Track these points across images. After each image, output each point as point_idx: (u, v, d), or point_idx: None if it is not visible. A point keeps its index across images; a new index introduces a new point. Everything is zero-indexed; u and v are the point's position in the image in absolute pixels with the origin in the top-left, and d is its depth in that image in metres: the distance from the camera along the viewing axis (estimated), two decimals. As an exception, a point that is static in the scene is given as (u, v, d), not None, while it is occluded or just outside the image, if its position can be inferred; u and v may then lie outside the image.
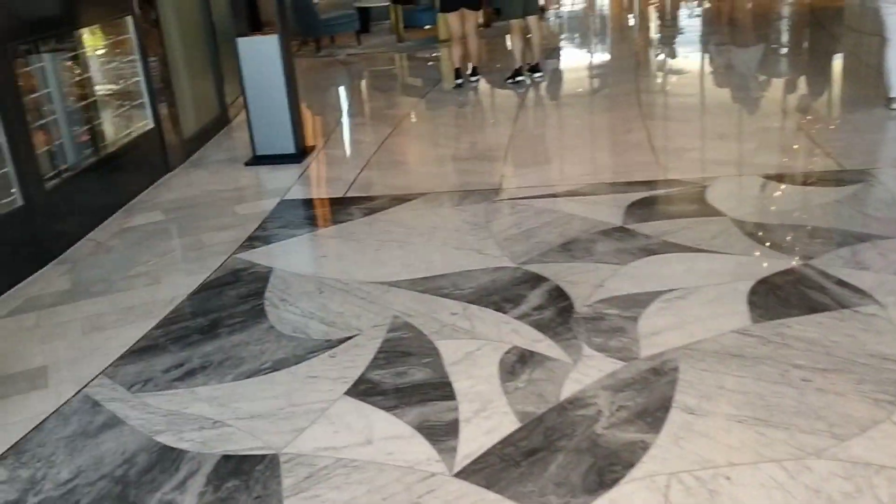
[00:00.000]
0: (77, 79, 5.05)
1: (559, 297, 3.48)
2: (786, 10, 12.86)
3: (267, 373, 3.08)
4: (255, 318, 3.54)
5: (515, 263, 3.85)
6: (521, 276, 3.71)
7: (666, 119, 6.51)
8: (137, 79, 5.63)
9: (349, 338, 3.28)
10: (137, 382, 3.09)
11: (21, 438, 2.81)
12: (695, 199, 4.53)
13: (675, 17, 13.49)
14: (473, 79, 8.43)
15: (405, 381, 2.94)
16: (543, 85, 8.29)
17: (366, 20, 12.75)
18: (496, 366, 2.99)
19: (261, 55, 5.75)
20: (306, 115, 7.68)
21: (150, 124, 5.72)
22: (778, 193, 4.64)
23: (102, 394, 3.04)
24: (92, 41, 5.21)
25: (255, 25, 6.35)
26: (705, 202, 4.47)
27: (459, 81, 8.59)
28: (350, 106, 8.33)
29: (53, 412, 2.94)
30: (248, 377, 3.06)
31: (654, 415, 2.62)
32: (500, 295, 3.54)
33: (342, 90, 9.36)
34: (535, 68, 8.32)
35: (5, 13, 4.18)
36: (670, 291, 3.45)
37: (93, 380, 3.14)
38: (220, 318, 3.57)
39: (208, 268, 4.13)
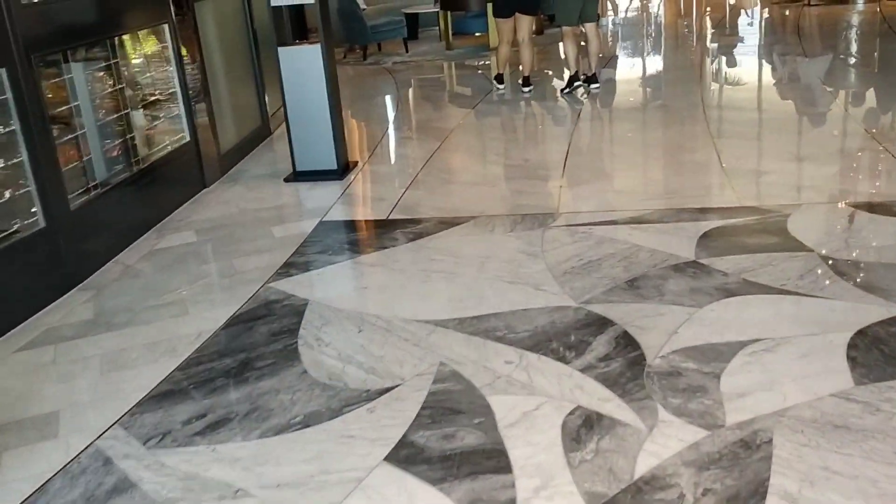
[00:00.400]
0: (109, 90, 4.78)
1: (628, 346, 3.08)
2: (855, 19, 12.23)
3: (298, 429, 2.73)
4: (288, 360, 3.19)
5: (577, 302, 3.46)
6: (584, 319, 3.32)
7: (735, 137, 6.03)
8: (173, 90, 5.35)
9: (390, 388, 2.92)
10: (154, 436, 2.76)
11: (23, 502, 2.50)
12: (775, 230, 4.08)
13: (734, 25, 12.94)
14: (526, 89, 8.06)
15: (453, 446, 2.56)
16: (600, 97, 7.86)
17: (414, 27, 12.44)
18: (558, 430, 2.60)
19: (303, 66, 5.43)
20: (350, 127, 7.37)
21: (186, 137, 5.45)
22: (871, 225, 4.17)
23: (115, 448, 2.71)
24: (125, 50, 4.93)
25: (301, 32, 6.05)
26: (787, 234, 4.03)
27: (502, 87, 8.25)
28: (396, 117, 7.99)
29: (61, 470, 2.63)
30: (277, 434, 2.72)
31: (747, 502, 2.21)
32: (561, 341, 3.15)
33: (388, 100, 9.03)
34: (591, 79, 7.90)
35: (31, 23, 3.91)
36: (755, 342, 3.03)
37: (106, 430, 2.82)
38: (249, 359, 3.23)
39: (240, 298, 3.81)
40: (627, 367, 2.93)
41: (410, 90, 9.40)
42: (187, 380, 3.11)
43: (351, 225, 4.85)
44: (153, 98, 5.30)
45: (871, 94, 7.42)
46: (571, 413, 2.68)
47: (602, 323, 3.27)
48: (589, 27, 7.77)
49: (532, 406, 2.74)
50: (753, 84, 8.25)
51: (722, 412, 2.62)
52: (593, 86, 7.89)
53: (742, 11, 14.06)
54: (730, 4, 14.60)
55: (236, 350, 3.31)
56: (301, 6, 5.52)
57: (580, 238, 4.18)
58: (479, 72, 9.91)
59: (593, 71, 7.91)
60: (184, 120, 5.43)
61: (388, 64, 10.87)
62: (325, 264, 4.14)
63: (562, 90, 8.03)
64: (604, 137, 6.54)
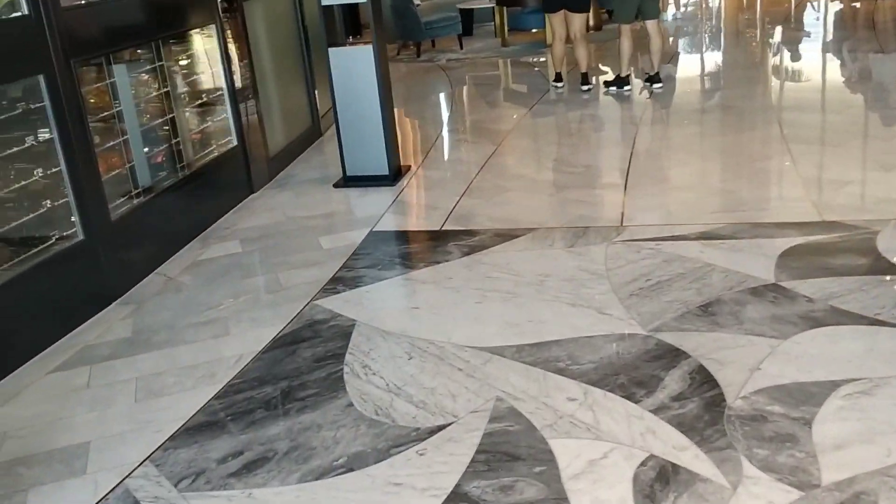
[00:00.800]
0: (153, 93, 4.62)
1: (705, 383, 2.78)
2: (933, 11, 11.58)
3: (341, 473, 2.50)
4: (332, 390, 2.97)
5: (646, 330, 3.16)
6: (655, 349, 3.02)
7: (811, 142, 5.62)
8: (220, 92, 5.17)
9: (442, 427, 2.67)
10: (187, 476, 2.55)
11: (44, 549, 2.32)
12: (864, 250, 3.72)
13: (799, 19, 12.37)
14: (584, 87, 7.75)
15: (512, 500, 2.30)
16: (662, 97, 7.50)
17: (469, 23, 12.17)
18: (629, 484, 2.32)
19: (354, 67, 5.21)
20: (403, 128, 7.15)
21: (234, 142, 5.27)
22: (971, 244, 3.79)
23: (145, 490, 2.51)
24: (171, 52, 4.77)
25: (355, 29, 5.82)
26: (879, 255, 3.67)
27: (560, 85, 7.96)
28: (450, 118, 7.74)
29: (87, 512, 2.45)
30: (318, 478, 2.49)
31: (853, 584, 1.92)
32: (629, 375, 2.86)
33: (442, 99, 8.79)
34: (654, 78, 7.55)
35: (72, 27, 3.75)
36: (850, 382, 2.70)
37: (137, 468, 2.62)
38: (291, 388, 3.01)
39: (284, 317, 3.60)
40: (705, 408, 2.63)
41: (465, 89, 9.14)
42: (225, 410, 2.91)
43: (402, 236, 4.61)
44: (199, 101, 5.13)
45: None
46: (643, 464, 2.40)
47: (675, 354, 2.97)
48: (649, 25, 7.41)
49: (599, 453, 2.46)
50: (828, 83, 7.78)
51: (816, 468, 2.31)
52: (656, 85, 7.53)
53: (808, 4, 13.47)
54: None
55: (278, 377, 3.10)
56: (355, 4, 5.29)
57: (647, 255, 3.87)
58: (536, 69, 9.60)
59: (655, 70, 7.55)
60: (231, 123, 5.26)
61: (442, 61, 10.62)
62: (374, 280, 3.91)
63: (606, 83, 7.72)
64: (668, 142, 6.18)
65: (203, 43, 5.09)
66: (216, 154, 5.09)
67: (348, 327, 3.44)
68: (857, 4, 12.36)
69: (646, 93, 7.51)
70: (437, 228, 4.52)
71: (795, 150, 5.31)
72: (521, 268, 3.87)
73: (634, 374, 2.87)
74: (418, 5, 11.27)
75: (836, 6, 12.88)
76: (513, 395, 2.80)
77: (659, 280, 3.59)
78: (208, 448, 2.69)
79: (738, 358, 2.91)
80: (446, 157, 6.25)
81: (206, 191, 4.90)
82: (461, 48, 11.33)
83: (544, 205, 4.86)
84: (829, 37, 10.63)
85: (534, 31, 11.33)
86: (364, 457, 2.56)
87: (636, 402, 2.70)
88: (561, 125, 7.13)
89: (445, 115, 7.96)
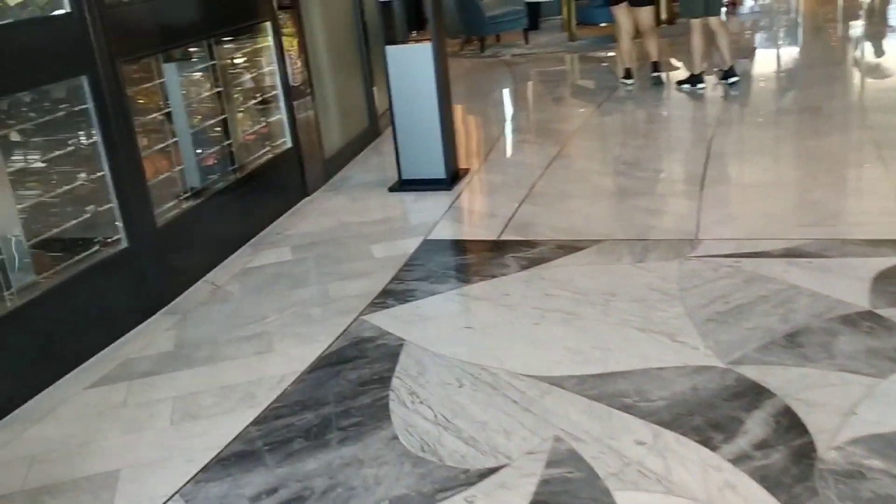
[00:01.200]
0: (205, 93, 4.47)
1: (792, 429, 2.46)
2: None
3: (381, 520, 2.28)
4: (377, 420, 2.74)
5: (724, 362, 2.86)
6: (734, 386, 2.72)
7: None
8: (275, 92, 5.00)
9: (494, 470, 2.42)
10: (216, 515, 2.37)
11: (61, 592, 2.15)
12: (973, 274, 3.34)
13: (884, 13, 11.65)
14: (654, 74, 7.51)
15: (570, 564, 2.04)
16: (740, 97, 7.09)
17: (535, 16, 11.83)
18: (705, 550, 2.04)
19: (412, 66, 4.98)
20: (463, 128, 6.90)
21: (288, 143, 5.09)
22: None
23: (172, 528, 2.34)
24: (223, 51, 4.60)
25: (418, 23, 5.57)
26: None
27: (630, 82, 7.62)
28: (513, 116, 7.46)
29: (109, 552, 2.28)
30: (356, 524, 2.27)
31: None
32: (705, 416, 2.56)
33: (505, 96, 8.51)
34: (728, 73, 7.16)
35: (118, 25, 3.60)
36: (963, 433, 2.36)
37: (166, 502, 2.45)
38: (333, 415, 2.80)
39: (330, 333, 3.39)
40: (793, 459, 2.32)
41: (529, 85, 8.85)
42: (262, 438, 2.71)
43: (457, 246, 4.36)
44: (253, 101, 4.96)
45: None
46: (722, 526, 2.11)
47: (757, 393, 2.66)
48: (713, 21, 7.07)
49: (670, 511, 2.18)
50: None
51: (926, 541, 2.00)
52: (731, 79, 7.15)
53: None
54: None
55: (320, 402, 2.89)
56: (416, -1, 5.06)
57: (725, 274, 3.55)
58: (604, 64, 9.23)
59: (729, 64, 7.16)
60: (286, 124, 5.08)
61: (506, 56, 10.33)
62: (426, 294, 3.67)
63: (678, 81, 7.37)
64: (746, 145, 5.77)
65: (258, 41, 4.92)
66: (270, 156, 4.92)
67: (396, 347, 3.21)
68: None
69: (720, 90, 7.11)
70: (495, 238, 4.27)
71: (889, 156, 4.88)
72: (585, 285, 3.59)
73: (711, 414, 2.57)
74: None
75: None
76: (573, 435, 2.54)
77: (739, 303, 3.26)
78: (242, 482, 2.50)
79: (830, 399, 2.59)
80: (507, 158, 5.97)
81: (259, 194, 4.73)
82: (527, 42, 11.02)
83: (611, 213, 4.55)
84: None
85: (602, 25, 10.93)
86: (407, 501, 2.33)
87: (713, 448, 2.41)
88: (630, 125, 6.78)
89: (508, 113, 7.68)
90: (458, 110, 7.42)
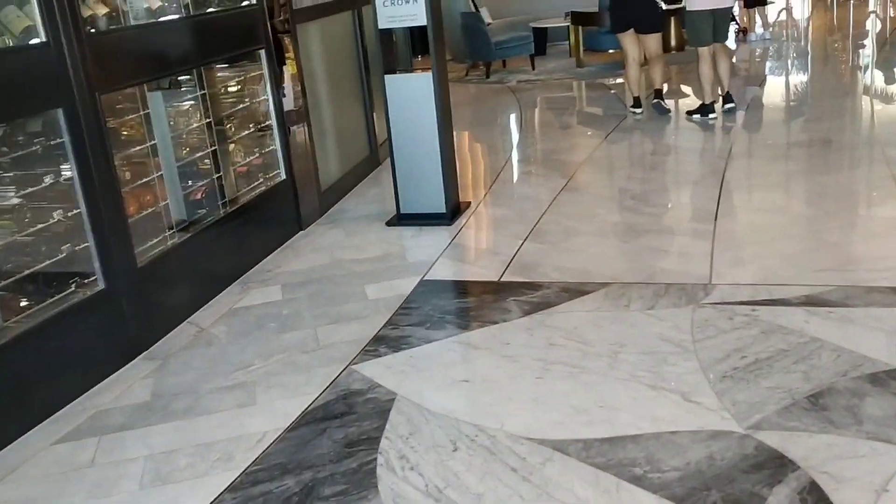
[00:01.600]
0: (193, 125, 4.27)
1: (819, 509, 2.23)
2: None
3: None
4: (363, 488, 2.51)
5: (743, 427, 2.62)
6: (754, 455, 2.47)
7: (926, 183, 4.96)
8: (268, 122, 4.81)
9: (489, 552, 2.19)
10: None
11: None
12: None
13: (893, 41, 11.45)
14: (655, 101, 7.38)
15: None
16: (752, 129, 6.88)
17: (542, 42, 11.67)
18: None
19: (412, 96, 4.78)
20: (465, 158, 6.71)
21: (282, 175, 4.89)
22: None
23: None
24: (213, 80, 4.41)
25: (424, 47, 5.33)
26: None
27: (638, 111, 7.43)
28: (518, 145, 7.26)
29: None
30: None
31: None
32: (723, 491, 2.32)
33: (510, 124, 8.31)
34: (725, 98, 7.04)
35: (99, 54, 3.40)
36: None
37: (125, 583, 2.22)
38: (316, 481, 2.56)
39: (317, 384, 3.16)
40: (822, 546, 2.09)
41: (535, 113, 8.66)
42: (236, 509, 2.48)
43: (456, 287, 4.13)
44: (245, 133, 4.77)
45: None
46: None
47: (779, 464, 2.42)
48: (718, 46, 6.90)
49: None
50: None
51: None
52: (727, 105, 6.98)
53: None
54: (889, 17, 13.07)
55: (302, 465, 2.66)
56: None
57: (741, 324, 3.31)
58: (612, 92, 9.04)
59: (726, 90, 7.00)
60: (280, 155, 4.88)
61: (512, 82, 10.16)
62: (421, 342, 3.44)
63: (688, 112, 7.18)
64: (760, 180, 5.52)
65: (250, 69, 4.73)
66: (262, 189, 4.72)
67: (387, 402, 2.98)
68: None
69: (731, 119, 6.92)
70: (496, 279, 4.04)
71: (910, 195, 4.67)
72: (592, 335, 3.35)
73: (730, 489, 2.33)
74: (489, 24, 10.83)
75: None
76: (577, 511, 2.30)
77: (757, 358, 3.03)
78: (210, 561, 2.27)
79: (860, 473, 2.35)
80: (511, 191, 5.76)
81: (250, 229, 4.52)
82: (533, 69, 10.85)
83: (619, 253, 4.33)
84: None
85: (611, 51, 10.76)
86: (392, 589, 2.10)
87: (732, 531, 2.17)
88: (639, 157, 6.57)
89: (513, 142, 7.48)
90: (461, 139, 7.25)
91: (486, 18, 10.98)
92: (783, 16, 13.77)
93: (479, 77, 10.76)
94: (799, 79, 9.56)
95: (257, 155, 4.80)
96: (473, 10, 10.89)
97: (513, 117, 8.56)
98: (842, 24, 13.61)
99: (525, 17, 11.63)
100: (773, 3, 12.77)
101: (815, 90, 8.63)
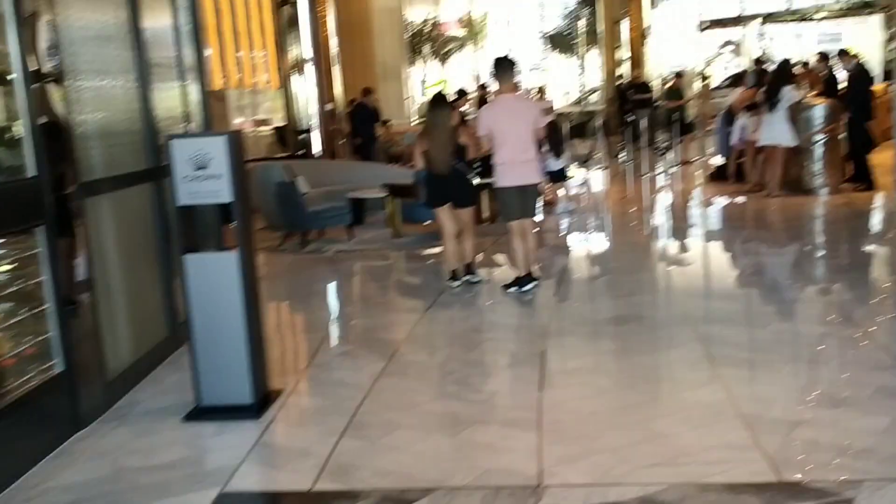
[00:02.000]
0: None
1: None
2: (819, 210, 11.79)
3: None
4: None
5: None
6: None
7: (741, 365, 4.96)
8: (45, 305, 4.19)
9: None
10: None
11: None
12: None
13: (703, 213, 12.33)
14: (465, 278, 7.34)
15: None
16: (567, 302, 6.94)
17: (360, 211, 11.62)
18: None
19: (215, 277, 4.37)
20: (277, 337, 6.25)
21: (60, 367, 4.23)
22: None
23: None
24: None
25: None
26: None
27: (457, 283, 7.34)
28: (334, 322, 6.91)
29: None
30: None
31: None
32: None
33: (326, 299, 7.99)
34: (524, 280, 7.02)
35: None
36: None
37: None
38: None
39: None
40: None
41: (354, 284, 8.40)
42: None
43: (261, 501, 3.60)
44: (11, 321, 4.10)
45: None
46: None
47: None
48: (525, 223, 7.04)
49: None
50: (742, 289, 7.37)
51: None
52: (527, 286, 6.95)
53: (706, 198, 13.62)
54: (682, 191, 14.20)
55: None
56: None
57: (579, 538, 3.01)
58: (431, 261, 8.98)
59: (531, 266, 7.04)
60: (57, 343, 4.24)
61: (329, 252, 9.92)
62: (215, 583, 2.87)
63: (504, 285, 7.15)
64: (581, 362, 5.30)
65: (24, 247, 4.15)
66: (31, 385, 4.03)
67: None
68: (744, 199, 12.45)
69: (546, 294, 6.95)
70: (307, 489, 3.55)
71: (727, 376, 4.68)
72: (416, 559, 2.93)
73: None
74: (305, 193, 10.67)
75: (724, 201, 12.97)
76: None
77: (598, 583, 2.71)
78: None
79: None
80: (327, 376, 5.31)
81: (11, 436, 3.80)
82: (350, 238, 10.70)
83: (444, 450, 3.97)
84: (732, 233, 10.47)
85: (427, 222, 10.85)
86: None
87: None
88: (459, 334, 6.36)
89: (331, 317, 7.13)
90: (274, 314, 6.82)
91: (303, 188, 10.83)
92: (586, 188, 14.62)
93: (294, 246, 10.45)
94: (604, 250, 9.93)
95: (24, 345, 4.13)
96: (288, 180, 10.72)
97: (330, 289, 8.26)
98: (638, 197, 14.61)
99: (343, 187, 11.60)
100: (573, 177, 13.57)
101: (623, 263, 8.93)
